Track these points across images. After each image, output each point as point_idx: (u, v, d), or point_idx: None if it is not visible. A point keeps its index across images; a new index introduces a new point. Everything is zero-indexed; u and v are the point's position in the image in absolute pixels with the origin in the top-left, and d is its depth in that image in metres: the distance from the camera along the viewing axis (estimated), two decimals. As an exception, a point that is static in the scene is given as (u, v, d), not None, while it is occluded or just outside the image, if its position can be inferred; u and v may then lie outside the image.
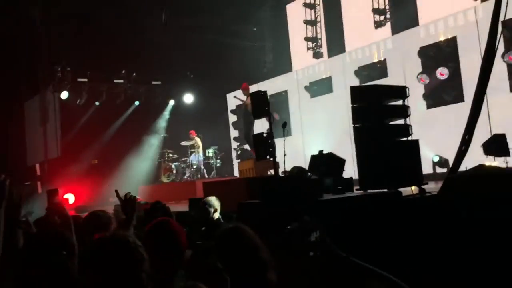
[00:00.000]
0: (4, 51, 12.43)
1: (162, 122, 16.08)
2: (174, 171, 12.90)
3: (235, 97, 13.09)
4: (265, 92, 7.62)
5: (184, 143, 13.46)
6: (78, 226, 3.30)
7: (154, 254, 2.84)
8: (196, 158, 13.13)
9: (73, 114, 14.08)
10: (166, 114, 16.24)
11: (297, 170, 7.03)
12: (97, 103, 14.50)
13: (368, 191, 5.72)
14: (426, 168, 8.83)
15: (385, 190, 5.60)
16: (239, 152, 14.40)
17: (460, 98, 11.00)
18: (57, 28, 12.89)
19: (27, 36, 13.11)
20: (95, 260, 1.77)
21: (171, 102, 16.23)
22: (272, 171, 8.66)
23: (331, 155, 6.63)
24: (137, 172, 14.19)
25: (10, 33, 12.55)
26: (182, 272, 2.71)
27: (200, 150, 13.28)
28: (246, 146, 13.27)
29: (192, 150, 13.37)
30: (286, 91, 15.30)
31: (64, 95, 13.71)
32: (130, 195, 3.25)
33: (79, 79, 13.96)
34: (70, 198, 11.58)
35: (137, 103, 15.37)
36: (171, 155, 13.47)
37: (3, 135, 13.05)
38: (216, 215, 5.56)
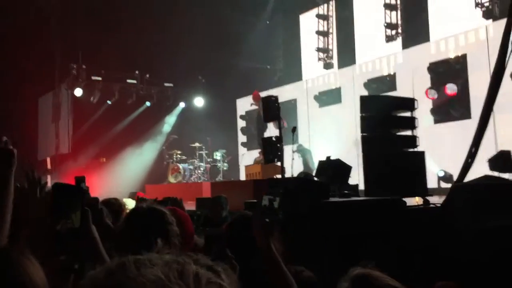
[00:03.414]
0: (21, 47, 12.70)
1: (170, 123, 16.32)
2: (182, 172, 13.09)
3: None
4: (276, 97, 7.80)
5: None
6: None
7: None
8: None
9: (85, 112, 14.36)
10: (175, 116, 16.47)
11: (304, 175, 7.18)
12: (108, 102, 14.76)
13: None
14: (431, 183, 8.93)
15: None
16: (243, 155, 14.62)
17: (467, 115, 11.11)
18: (74, 27, 13.20)
19: (44, 33, 13.41)
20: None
21: (181, 105, 16.47)
22: (279, 176, 8.79)
23: (338, 162, 6.79)
24: (143, 171, 14.44)
25: (27, 30, 12.83)
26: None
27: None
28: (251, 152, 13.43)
29: (200, 152, 13.58)
30: (295, 100, 15.47)
31: (78, 92, 14.00)
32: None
33: (93, 77, 14.24)
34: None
35: (148, 103, 15.65)
36: (179, 156, 13.67)
37: (17, 129, 13.30)
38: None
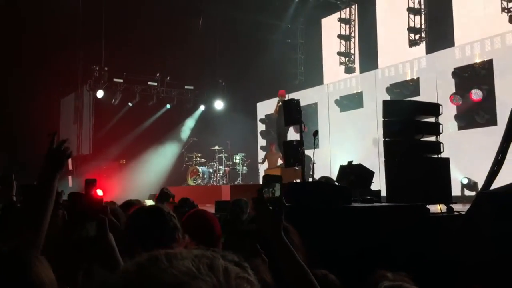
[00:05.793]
0: (46, 49, 12.89)
1: (190, 126, 16.39)
2: (201, 175, 13.08)
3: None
4: (298, 101, 7.71)
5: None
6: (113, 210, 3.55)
7: (192, 242, 2.98)
8: None
9: (106, 113, 14.50)
10: (194, 119, 16.53)
11: (325, 179, 7.07)
12: (130, 104, 14.90)
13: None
14: (455, 190, 8.72)
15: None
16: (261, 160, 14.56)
17: (493, 122, 10.87)
18: (97, 30, 13.36)
19: (69, 35, 13.59)
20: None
21: (201, 107, 16.53)
22: (299, 180, 8.70)
23: (360, 166, 6.67)
24: (162, 173, 14.51)
25: (51, 32, 13.01)
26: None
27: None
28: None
29: (220, 155, 13.55)
30: (316, 104, 15.38)
31: (100, 94, 14.14)
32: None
33: (115, 79, 14.38)
34: (99, 192, 11.88)
35: (168, 106, 15.74)
36: (198, 159, 13.66)
37: (39, 130, 13.48)
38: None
